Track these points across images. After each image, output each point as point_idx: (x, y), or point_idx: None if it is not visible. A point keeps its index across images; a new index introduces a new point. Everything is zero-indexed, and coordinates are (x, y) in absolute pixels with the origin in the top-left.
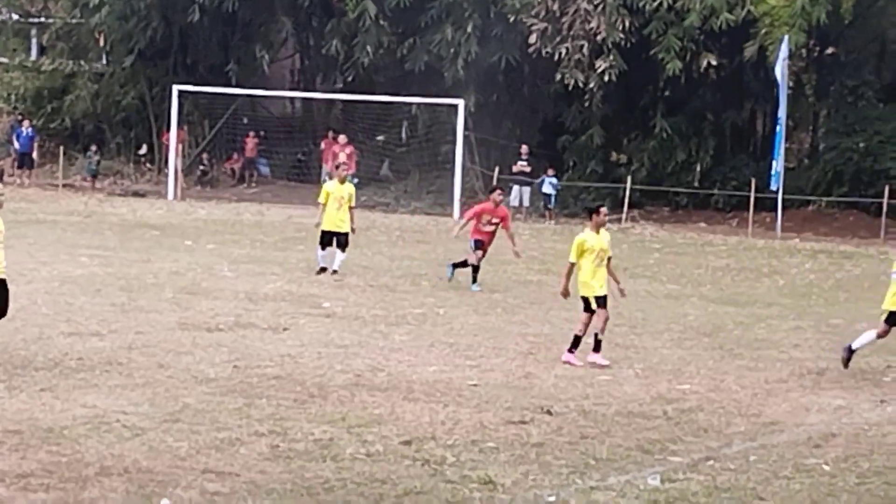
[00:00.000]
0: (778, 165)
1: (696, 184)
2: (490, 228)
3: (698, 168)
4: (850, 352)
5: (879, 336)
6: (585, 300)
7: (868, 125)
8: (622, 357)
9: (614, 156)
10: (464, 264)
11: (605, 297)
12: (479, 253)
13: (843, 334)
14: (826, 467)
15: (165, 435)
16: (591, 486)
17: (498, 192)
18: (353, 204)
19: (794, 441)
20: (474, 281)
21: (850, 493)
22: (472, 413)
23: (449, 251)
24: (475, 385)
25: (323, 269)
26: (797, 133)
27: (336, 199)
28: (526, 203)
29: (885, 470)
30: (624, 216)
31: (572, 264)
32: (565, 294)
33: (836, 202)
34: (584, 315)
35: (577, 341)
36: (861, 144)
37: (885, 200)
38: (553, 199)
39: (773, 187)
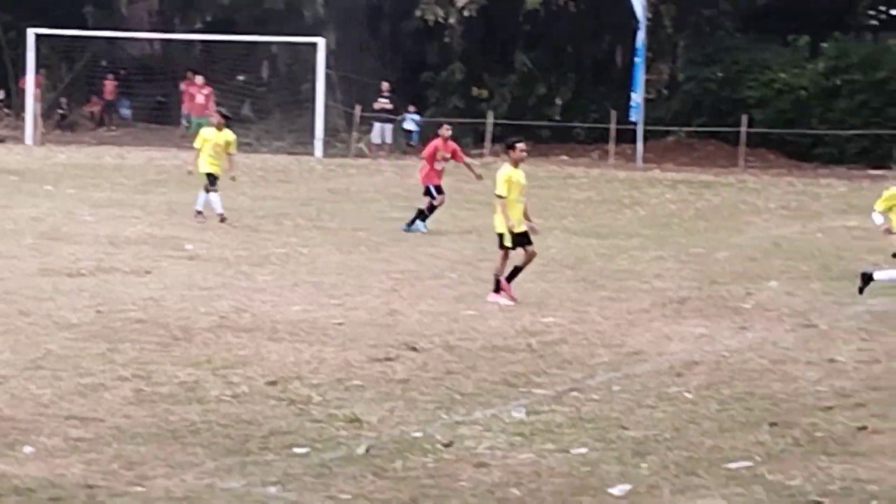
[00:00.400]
0: (638, 97)
1: (556, 117)
2: (442, 166)
3: (559, 101)
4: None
5: None
6: (501, 236)
7: (726, 55)
8: (487, 291)
9: (475, 91)
10: (432, 209)
11: (526, 234)
12: (442, 196)
13: (704, 263)
14: (688, 395)
15: (28, 382)
16: (456, 421)
17: (445, 127)
18: (233, 151)
19: (657, 370)
20: (423, 220)
21: (711, 420)
22: (337, 351)
23: (311, 190)
24: (340, 324)
25: (200, 213)
26: (656, 64)
27: (212, 145)
28: (388, 140)
29: (746, 396)
30: (486, 150)
31: (503, 197)
32: (513, 228)
33: (695, 132)
34: (501, 252)
35: (498, 281)
36: (719, 74)
37: (743, 129)
38: (415, 136)
39: (634, 119)
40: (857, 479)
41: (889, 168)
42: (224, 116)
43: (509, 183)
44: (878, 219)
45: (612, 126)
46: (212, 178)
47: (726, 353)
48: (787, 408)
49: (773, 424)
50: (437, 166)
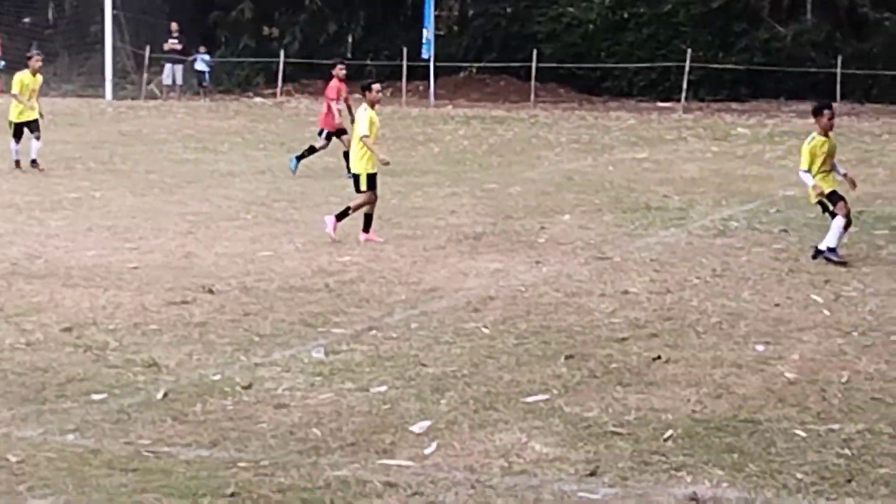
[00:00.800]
0: (429, 34)
1: (348, 55)
2: (340, 106)
3: (350, 39)
4: (831, 251)
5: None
6: (357, 177)
7: None
8: (282, 232)
9: (266, 30)
10: (310, 153)
11: (376, 176)
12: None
13: (498, 198)
14: (485, 330)
15: None
16: (255, 363)
17: (340, 66)
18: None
19: (454, 306)
20: (299, 160)
21: (508, 354)
22: (133, 296)
23: (102, 133)
24: (135, 268)
25: (18, 162)
26: (447, 1)
27: (30, 90)
28: (179, 81)
29: (542, 329)
30: (279, 90)
31: (367, 136)
32: (387, 161)
33: (486, 68)
34: (366, 193)
35: (368, 220)
36: (508, 10)
37: (533, 64)
38: (207, 77)
39: (425, 55)
40: (653, 409)
41: (677, 100)
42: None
43: (371, 123)
44: (807, 179)
45: (404, 63)
46: (33, 125)
47: (522, 288)
48: (582, 340)
49: (569, 357)
50: (336, 106)
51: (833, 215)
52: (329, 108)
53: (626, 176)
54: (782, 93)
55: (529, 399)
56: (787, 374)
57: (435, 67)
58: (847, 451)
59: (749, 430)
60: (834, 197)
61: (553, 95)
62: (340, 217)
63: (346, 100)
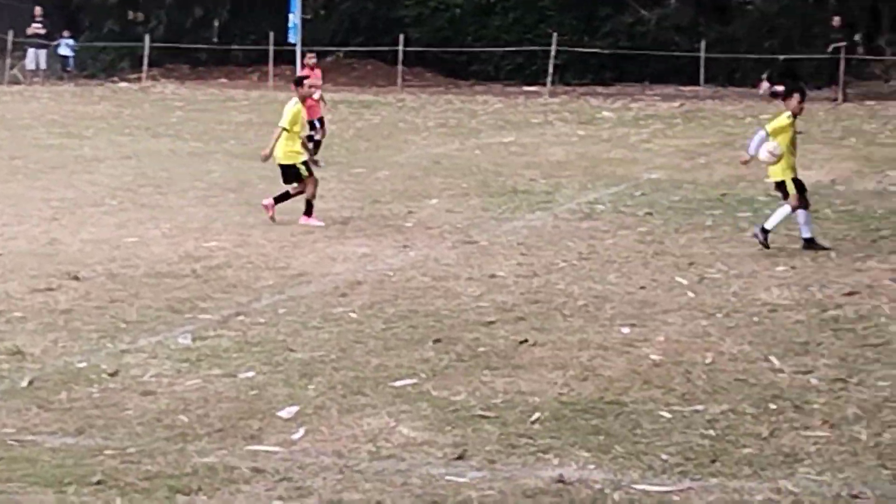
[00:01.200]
0: (295, 18)
1: (214, 39)
2: (317, 95)
3: (216, 23)
4: (765, 232)
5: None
6: (296, 168)
7: None
8: (148, 217)
9: (131, 14)
10: (315, 143)
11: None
12: (323, 129)
13: (366, 182)
14: (353, 315)
15: None
16: (121, 350)
17: (310, 55)
18: None
19: (322, 291)
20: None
21: (376, 339)
22: None
23: None
24: None
25: None
26: None
27: None
28: (43, 66)
29: (410, 313)
30: (144, 75)
31: (285, 129)
32: (268, 157)
33: (353, 52)
34: (309, 179)
35: (309, 205)
36: None
37: (400, 48)
38: (71, 62)
39: (292, 40)
40: (520, 392)
41: (543, 84)
42: None
43: (296, 117)
44: (759, 142)
45: (271, 47)
46: None
47: (390, 272)
48: (450, 324)
49: (437, 341)
50: (315, 96)
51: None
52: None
53: (493, 160)
54: (647, 77)
55: (397, 383)
56: (653, 356)
57: (302, 52)
58: (711, 432)
59: (615, 412)
60: (799, 185)
61: (420, 79)
62: (308, 212)
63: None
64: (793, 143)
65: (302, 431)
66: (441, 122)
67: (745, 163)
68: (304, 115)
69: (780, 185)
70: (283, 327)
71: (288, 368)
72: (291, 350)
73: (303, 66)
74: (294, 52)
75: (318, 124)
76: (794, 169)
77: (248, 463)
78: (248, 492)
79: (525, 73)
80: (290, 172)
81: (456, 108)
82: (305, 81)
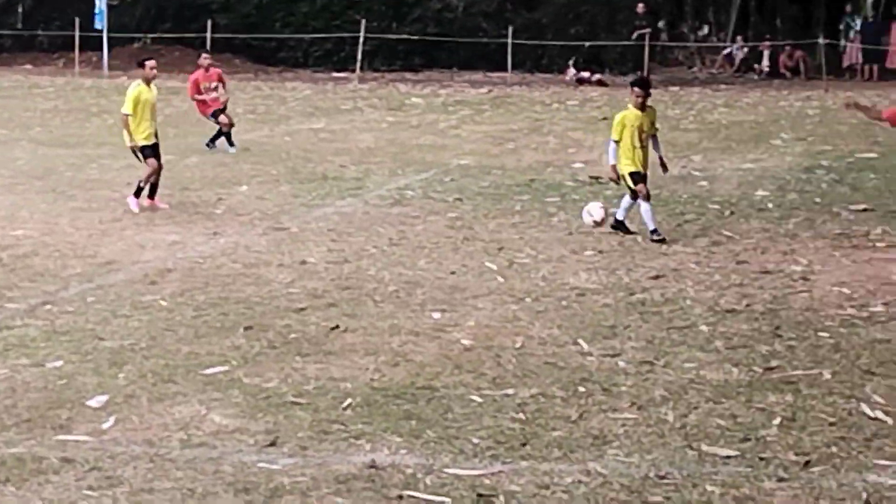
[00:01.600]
0: (101, 4)
1: (19, 25)
2: (213, 95)
3: (20, 9)
4: (655, 233)
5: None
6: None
7: None
8: None
9: None
10: (219, 135)
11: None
12: (225, 118)
13: (175, 169)
14: (163, 302)
15: None
16: None
17: (204, 56)
18: None
19: (131, 279)
20: (231, 144)
21: (187, 327)
22: None
23: None
24: None
25: None
26: None
27: None
28: None
29: (220, 301)
30: None
31: (128, 116)
32: (136, 145)
33: (161, 38)
34: (149, 161)
35: (153, 188)
36: None
37: (208, 35)
38: None
39: (98, 26)
40: (331, 378)
41: (352, 71)
42: None
43: (137, 101)
44: (610, 152)
45: (77, 34)
46: None
47: (200, 260)
48: (261, 311)
49: (248, 328)
50: (208, 97)
51: (633, 195)
52: (196, 101)
53: (302, 146)
54: (455, 63)
55: (208, 371)
56: (463, 341)
57: (108, 38)
58: (521, 416)
59: (426, 397)
60: (635, 178)
61: (229, 66)
62: (138, 193)
63: (220, 79)
64: (638, 137)
65: (112, 420)
66: (250, 109)
67: (614, 179)
68: (147, 95)
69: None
70: (91, 316)
71: (97, 357)
72: (100, 339)
73: (197, 67)
74: (101, 38)
75: (213, 119)
76: (634, 162)
77: (58, 453)
78: (58, 482)
79: (334, 59)
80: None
81: (265, 94)
82: (199, 81)
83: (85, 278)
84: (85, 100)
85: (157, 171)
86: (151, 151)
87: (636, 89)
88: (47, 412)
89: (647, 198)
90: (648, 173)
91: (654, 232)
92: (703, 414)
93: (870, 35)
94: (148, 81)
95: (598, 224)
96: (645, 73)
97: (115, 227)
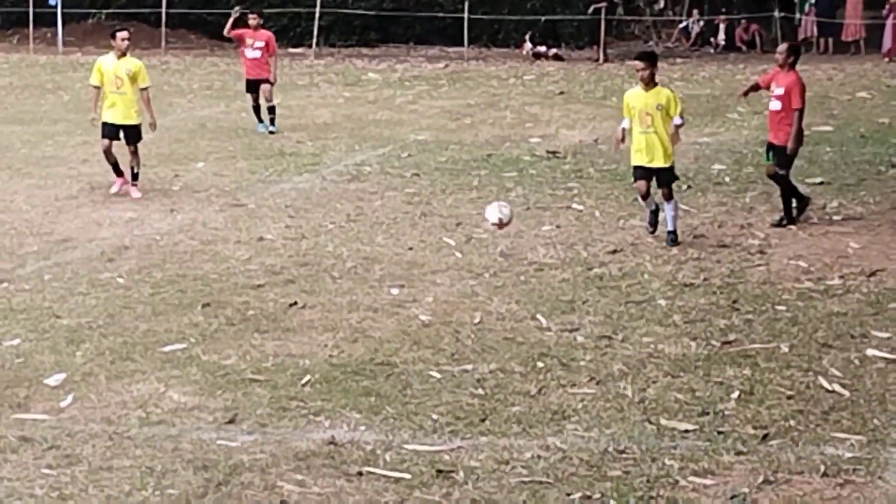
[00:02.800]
0: None
1: None
2: (255, 55)
3: None
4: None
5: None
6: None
7: None
8: None
9: None
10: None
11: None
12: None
13: None
14: (120, 280)
15: None
16: None
17: (252, 16)
18: None
19: (88, 257)
20: (260, 121)
21: (145, 304)
22: None
23: None
24: None
25: None
26: None
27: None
28: None
29: (178, 278)
30: None
31: (95, 87)
32: (95, 120)
33: (116, 14)
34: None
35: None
36: None
37: (163, 10)
38: None
39: (53, 2)
40: (290, 355)
41: (308, 46)
42: None
43: (100, 72)
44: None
45: (31, 10)
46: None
47: (157, 237)
48: (219, 288)
49: (206, 305)
50: (251, 55)
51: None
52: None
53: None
54: (411, 38)
55: (166, 348)
56: (422, 317)
57: (63, 14)
58: (481, 391)
59: (385, 373)
60: (636, 173)
61: (184, 42)
62: (135, 178)
63: (269, 48)
64: (645, 120)
65: (70, 399)
66: (206, 85)
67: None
68: (109, 67)
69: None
70: (48, 294)
71: (54, 335)
72: (58, 317)
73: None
74: (55, 14)
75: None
76: (640, 151)
77: (15, 432)
78: (16, 461)
79: (290, 35)
80: (133, 133)
81: (221, 70)
82: (244, 37)
83: (41, 256)
84: (40, 76)
85: (107, 152)
86: (108, 131)
87: (636, 62)
88: (4, 391)
89: (669, 196)
90: (665, 164)
91: (670, 234)
92: (662, 388)
93: (825, 8)
94: (121, 54)
95: (500, 225)
96: (602, 48)
97: (72, 204)
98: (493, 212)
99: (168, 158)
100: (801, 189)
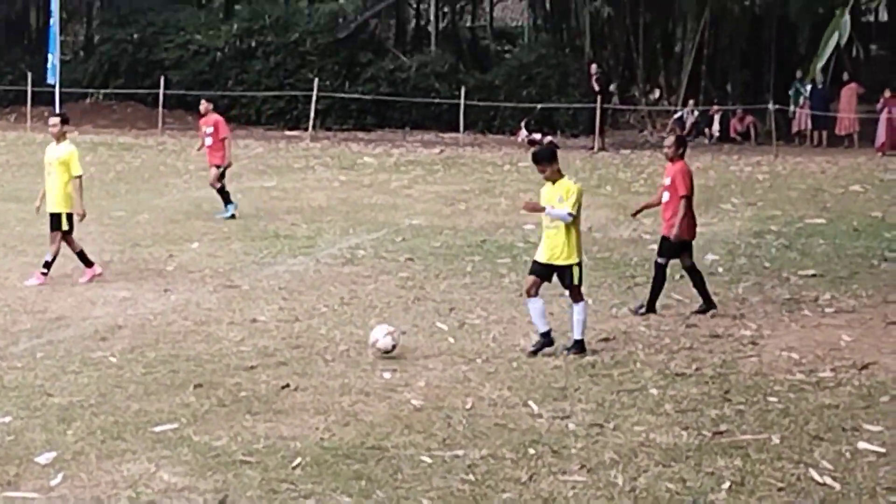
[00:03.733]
0: (54, 58)
1: None
2: (208, 142)
3: None
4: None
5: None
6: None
7: (141, 16)
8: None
9: None
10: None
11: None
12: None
13: (126, 226)
14: (113, 359)
15: None
16: None
17: (203, 103)
18: None
19: (81, 335)
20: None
21: (137, 384)
22: None
23: None
24: None
25: None
26: (72, 25)
27: None
28: None
29: (171, 358)
30: None
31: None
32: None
33: (113, 94)
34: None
35: (86, 259)
36: (135, 35)
37: (161, 91)
38: None
39: (51, 80)
40: (282, 437)
41: (305, 129)
42: None
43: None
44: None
45: (29, 88)
46: None
47: (150, 316)
48: (211, 369)
49: (198, 386)
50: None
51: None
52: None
53: (254, 204)
54: (407, 123)
55: (158, 428)
56: (414, 401)
57: (61, 93)
58: (471, 477)
59: (376, 457)
60: (532, 268)
61: (181, 123)
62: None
63: (216, 131)
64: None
65: (60, 477)
66: (202, 167)
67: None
68: (47, 153)
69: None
70: (41, 371)
71: (46, 413)
72: (49, 395)
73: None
74: (53, 93)
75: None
76: (542, 248)
77: None
78: None
79: (286, 117)
80: (54, 220)
81: None
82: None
83: (34, 334)
84: (36, 154)
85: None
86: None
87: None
88: None
89: (576, 298)
90: (567, 262)
91: (575, 343)
92: (653, 477)
93: (819, 102)
94: (57, 140)
95: (387, 352)
96: (598, 135)
97: (66, 282)
98: (387, 339)
99: (163, 238)
100: (793, 280)
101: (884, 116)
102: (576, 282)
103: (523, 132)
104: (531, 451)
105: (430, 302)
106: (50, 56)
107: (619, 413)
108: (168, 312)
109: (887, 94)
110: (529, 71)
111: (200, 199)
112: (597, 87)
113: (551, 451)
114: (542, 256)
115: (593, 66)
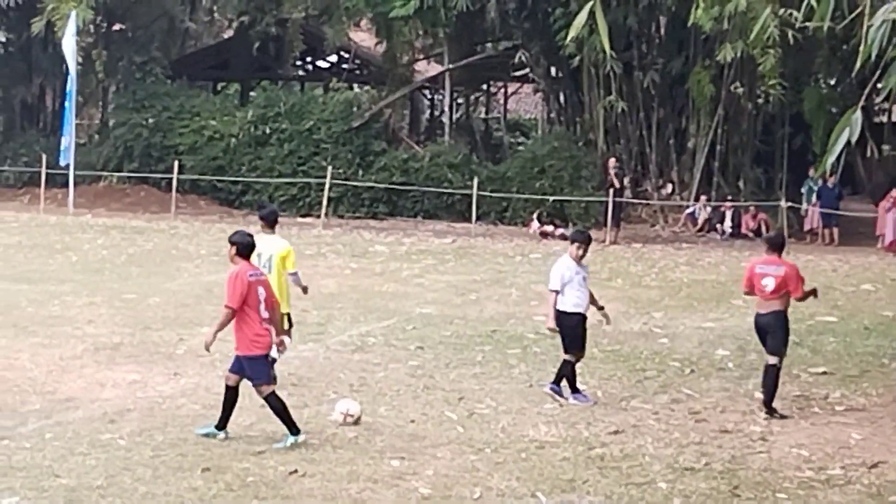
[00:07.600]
0: (68, 141)
1: None
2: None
3: None
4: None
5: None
6: None
7: (156, 101)
8: None
9: None
10: None
11: None
12: None
13: (137, 309)
14: (121, 441)
15: None
16: None
17: None
18: None
19: (90, 417)
20: None
21: (145, 466)
22: None
23: None
24: None
25: None
26: (87, 109)
27: None
28: None
29: (179, 441)
30: None
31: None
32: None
33: (127, 177)
34: None
35: None
36: (150, 120)
37: (174, 176)
38: None
39: (64, 163)
40: None
41: (317, 216)
42: None
43: None
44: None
45: (43, 170)
46: None
47: (160, 399)
48: (219, 453)
49: (205, 470)
50: None
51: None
52: None
53: None
54: (420, 212)
55: None
56: (422, 490)
57: (74, 176)
58: None
59: None
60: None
61: (194, 207)
62: None
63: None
64: None
65: None
66: (214, 251)
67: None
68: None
69: None
70: (49, 452)
71: (53, 495)
72: (57, 476)
73: None
74: (67, 175)
75: None
76: None
77: None
78: None
79: (299, 204)
80: None
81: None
82: None
83: (43, 414)
84: (49, 236)
85: None
86: None
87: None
88: None
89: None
90: None
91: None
92: None
93: (829, 199)
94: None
95: (352, 418)
96: (611, 229)
97: (76, 364)
98: (353, 404)
99: (173, 322)
100: (804, 377)
101: (892, 216)
102: None
103: (535, 223)
104: None
105: (439, 391)
106: (64, 139)
107: None
108: (177, 396)
109: (895, 193)
110: (542, 163)
111: (211, 283)
112: (617, 184)
113: None
114: None
115: (611, 161)
